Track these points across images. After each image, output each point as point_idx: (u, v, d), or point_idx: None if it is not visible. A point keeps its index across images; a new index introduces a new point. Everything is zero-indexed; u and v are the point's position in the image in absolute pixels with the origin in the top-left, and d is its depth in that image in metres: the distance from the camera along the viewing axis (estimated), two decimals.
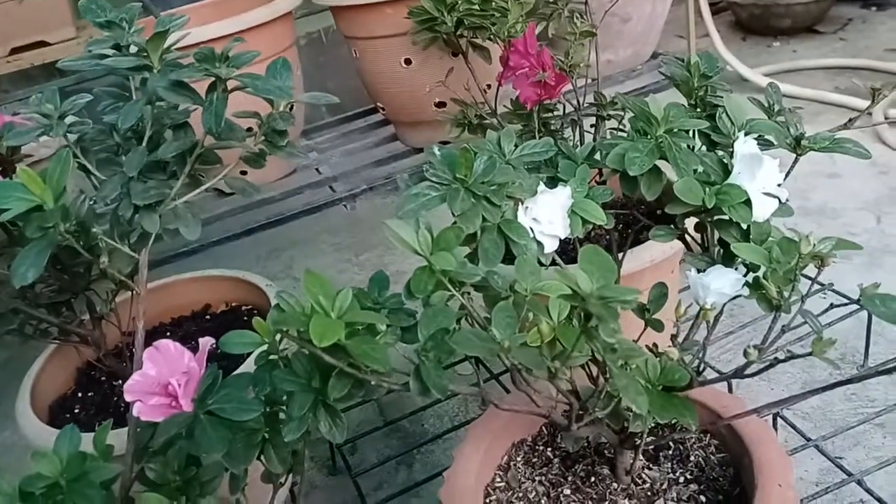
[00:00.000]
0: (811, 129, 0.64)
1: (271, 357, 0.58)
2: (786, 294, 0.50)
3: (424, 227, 0.52)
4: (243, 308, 1.02)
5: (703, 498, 0.68)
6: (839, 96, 1.78)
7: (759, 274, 0.51)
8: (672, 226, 0.62)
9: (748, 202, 0.54)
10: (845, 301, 0.57)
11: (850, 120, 0.72)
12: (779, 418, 0.93)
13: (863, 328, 1.04)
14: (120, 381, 0.92)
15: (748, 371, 0.52)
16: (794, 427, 0.93)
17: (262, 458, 0.61)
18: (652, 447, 0.72)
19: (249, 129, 0.67)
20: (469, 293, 0.55)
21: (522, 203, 0.58)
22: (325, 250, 1.71)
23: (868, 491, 0.81)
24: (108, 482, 0.52)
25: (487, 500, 0.73)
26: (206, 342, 0.55)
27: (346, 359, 0.49)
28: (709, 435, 0.73)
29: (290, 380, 0.54)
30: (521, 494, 0.73)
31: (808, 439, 0.90)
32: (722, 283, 0.52)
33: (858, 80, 1.90)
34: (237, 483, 0.61)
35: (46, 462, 0.51)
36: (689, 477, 0.70)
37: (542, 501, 0.71)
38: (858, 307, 0.80)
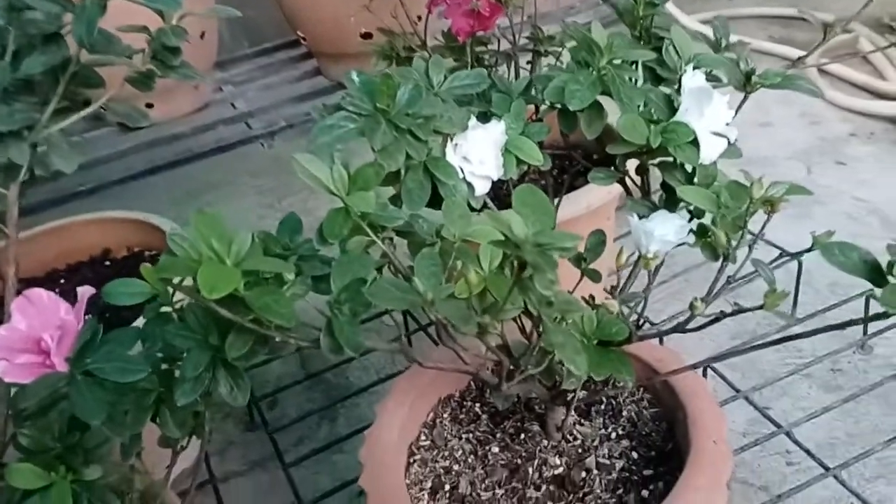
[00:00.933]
0: None
1: (164, 310, 0.51)
2: (734, 242, 0.46)
3: (340, 164, 0.45)
4: (147, 254, 0.93)
5: (634, 454, 0.65)
6: (774, 45, 1.77)
7: (706, 220, 0.47)
8: (613, 168, 0.57)
9: (695, 142, 0.50)
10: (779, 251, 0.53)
11: (795, 61, 0.69)
12: (708, 369, 0.92)
13: (788, 278, 1.03)
14: None
15: (691, 325, 0.48)
16: (723, 378, 0.92)
17: (158, 421, 0.54)
18: (584, 402, 0.68)
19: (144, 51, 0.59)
20: (391, 239, 0.49)
21: (451, 139, 0.52)
22: (246, 193, 1.61)
23: (796, 443, 0.80)
24: None
25: (411, 460, 0.68)
26: (84, 291, 0.48)
27: (245, 313, 0.42)
28: (642, 389, 0.70)
29: (184, 335, 0.47)
30: (447, 453, 0.68)
31: (738, 390, 0.89)
32: (666, 229, 0.48)
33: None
34: (128, 450, 0.55)
35: None
36: (620, 433, 0.67)
37: (470, 460, 0.67)
38: (790, 258, 0.78)
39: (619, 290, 0.51)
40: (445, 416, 0.73)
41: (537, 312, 0.40)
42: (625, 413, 0.69)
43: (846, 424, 0.92)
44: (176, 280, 0.42)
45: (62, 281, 0.91)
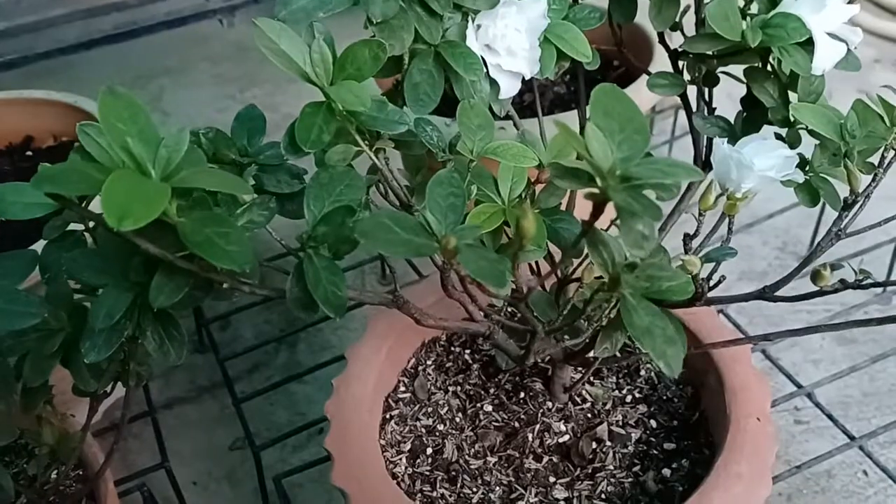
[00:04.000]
0: None
1: (70, 229, 0.38)
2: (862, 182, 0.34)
3: (321, 38, 0.31)
4: (76, 145, 0.77)
5: (653, 423, 0.55)
6: None
7: (817, 152, 0.35)
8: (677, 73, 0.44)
9: (809, 42, 0.37)
10: None
11: None
12: (721, 315, 0.82)
13: (806, 218, 0.94)
14: None
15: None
16: (737, 326, 0.82)
17: (69, 368, 0.42)
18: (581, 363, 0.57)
19: None
20: (384, 151, 0.36)
21: (474, 19, 0.38)
22: (204, 81, 1.44)
23: (818, 406, 0.71)
24: None
25: (387, 416, 0.57)
26: None
27: (178, 247, 0.29)
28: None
29: (96, 269, 0.34)
30: (430, 409, 0.58)
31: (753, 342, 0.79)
32: (768, 161, 0.35)
33: None
34: (29, 402, 0.43)
35: None
36: (637, 396, 0.57)
37: (457, 419, 0.57)
38: None
39: (695, 239, 0.38)
40: (429, 363, 0.61)
41: (612, 273, 0.28)
42: (642, 373, 0.58)
43: (861, 382, 0.84)
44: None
45: None
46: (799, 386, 0.73)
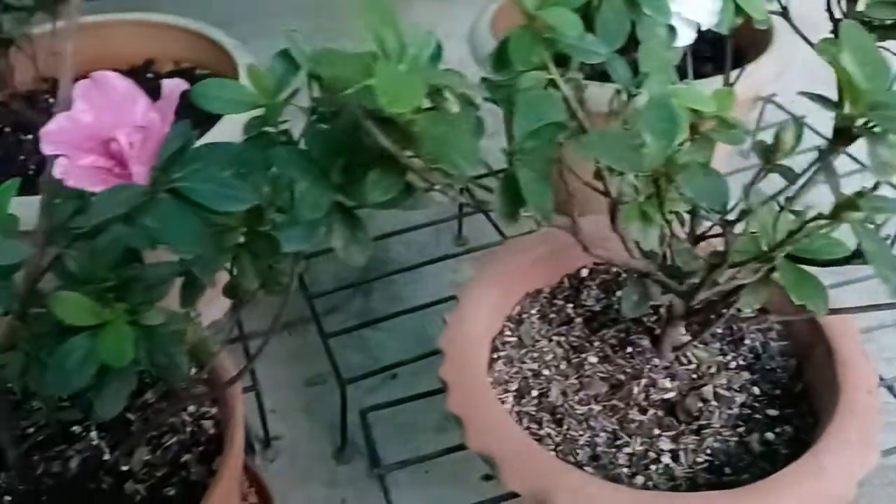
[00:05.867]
0: None
1: (266, 129, 0.40)
2: None
3: None
4: (197, 72, 0.80)
5: (756, 390, 0.56)
6: None
7: None
8: None
9: None
10: None
11: None
12: None
13: None
14: (30, 136, 0.70)
15: None
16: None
17: (235, 266, 0.44)
18: (698, 323, 0.58)
19: None
20: (579, 82, 0.37)
21: None
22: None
23: None
24: (8, 268, 0.35)
25: (494, 356, 0.59)
26: (174, 85, 0.36)
27: (404, 145, 0.31)
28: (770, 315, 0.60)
29: (301, 166, 0.36)
30: (535, 354, 0.59)
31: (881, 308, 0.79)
32: None
33: None
34: (192, 293, 0.45)
35: None
36: (741, 363, 0.58)
37: (562, 366, 0.59)
38: None
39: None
40: (533, 312, 0.63)
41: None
42: (747, 342, 0.59)
43: None
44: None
45: None
46: (881, 378, 0.74)
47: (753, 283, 0.40)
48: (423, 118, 0.29)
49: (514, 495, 0.57)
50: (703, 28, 0.42)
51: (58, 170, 0.34)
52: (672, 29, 0.41)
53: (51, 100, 0.72)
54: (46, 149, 0.35)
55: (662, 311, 0.57)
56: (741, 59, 0.79)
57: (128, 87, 0.37)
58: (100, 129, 0.37)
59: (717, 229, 0.42)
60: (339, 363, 0.83)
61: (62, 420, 0.51)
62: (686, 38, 0.42)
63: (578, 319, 0.62)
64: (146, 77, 0.81)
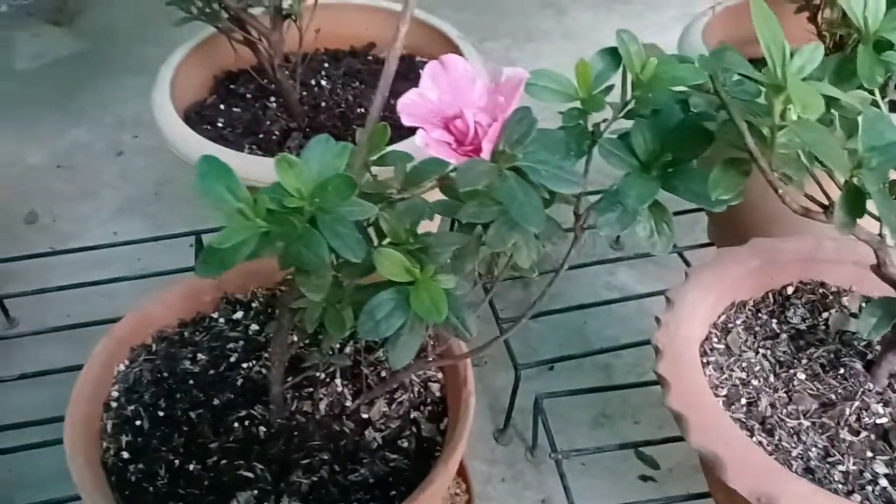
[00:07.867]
0: None
1: (578, 123, 0.43)
2: None
3: None
4: (418, 59, 0.84)
5: None
6: None
7: None
8: None
9: None
10: None
11: None
12: None
13: None
14: (274, 103, 0.76)
15: None
16: None
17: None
18: None
19: None
20: None
21: None
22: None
23: None
24: (361, 224, 0.39)
25: (704, 360, 0.61)
26: (519, 73, 0.40)
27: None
28: None
29: (621, 157, 0.39)
30: (743, 364, 0.61)
31: None
32: None
33: None
34: (461, 262, 0.48)
35: (293, 176, 0.37)
36: None
37: (770, 378, 0.60)
38: None
39: None
40: (738, 322, 0.65)
41: None
42: None
43: None
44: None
45: (325, 64, 0.84)
46: None
47: None
48: (795, 124, 0.32)
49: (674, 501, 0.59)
50: None
51: (419, 139, 0.38)
52: None
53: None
54: (405, 119, 0.39)
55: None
56: None
57: (468, 70, 0.41)
58: (440, 107, 0.41)
59: None
60: (499, 349, 0.86)
61: (333, 364, 0.55)
62: None
63: (784, 335, 0.63)
64: (367, 59, 0.86)
